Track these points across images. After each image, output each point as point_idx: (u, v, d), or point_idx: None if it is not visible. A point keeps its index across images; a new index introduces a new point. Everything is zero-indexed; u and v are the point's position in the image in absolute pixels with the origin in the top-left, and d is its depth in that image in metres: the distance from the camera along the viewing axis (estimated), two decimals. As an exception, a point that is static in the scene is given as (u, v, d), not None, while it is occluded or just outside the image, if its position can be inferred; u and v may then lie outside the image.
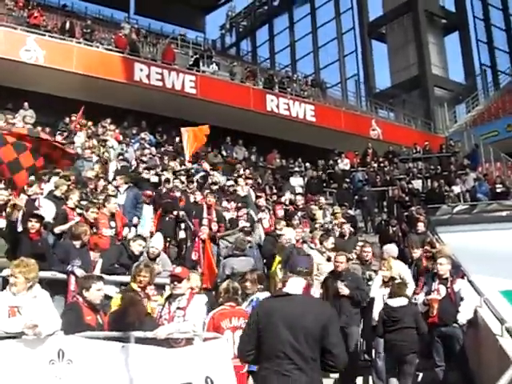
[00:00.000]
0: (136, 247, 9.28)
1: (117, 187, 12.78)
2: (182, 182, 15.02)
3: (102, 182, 13.08)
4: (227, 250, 11.33)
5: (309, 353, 4.58)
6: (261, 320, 4.80)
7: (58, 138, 15.67)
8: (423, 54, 35.94)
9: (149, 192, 12.76)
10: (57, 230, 9.78)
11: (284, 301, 4.86)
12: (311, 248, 11.67)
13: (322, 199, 17.60)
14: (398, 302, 8.74)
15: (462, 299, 8.90)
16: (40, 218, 8.78)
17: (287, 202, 16.21)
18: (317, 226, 14.25)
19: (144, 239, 9.84)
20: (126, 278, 8.45)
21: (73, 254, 8.63)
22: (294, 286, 4.90)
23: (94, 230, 10.27)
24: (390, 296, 8.95)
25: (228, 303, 7.50)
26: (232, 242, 11.53)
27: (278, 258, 10.60)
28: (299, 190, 20.36)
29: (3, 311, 6.29)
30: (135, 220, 12.37)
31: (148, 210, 12.73)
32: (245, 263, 10.07)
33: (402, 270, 10.29)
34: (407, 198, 19.55)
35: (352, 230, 14.47)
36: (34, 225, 8.61)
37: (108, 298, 7.79)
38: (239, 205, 14.09)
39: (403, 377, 8.46)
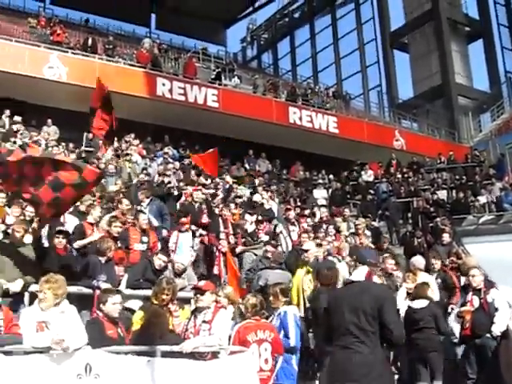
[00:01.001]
0: (157, 261, 9.27)
1: (139, 203, 12.74)
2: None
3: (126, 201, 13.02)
4: (256, 263, 11.26)
5: (369, 327, 5.45)
6: (331, 307, 5.84)
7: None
8: (446, 63, 35.64)
9: (184, 219, 12.20)
10: (75, 244, 9.83)
11: (349, 288, 5.90)
12: (339, 261, 11.57)
13: (347, 211, 17.55)
14: (419, 303, 8.88)
15: (496, 310, 8.78)
16: (66, 234, 8.87)
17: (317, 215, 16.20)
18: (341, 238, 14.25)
19: (167, 254, 9.84)
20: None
21: (98, 270, 8.67)
22: (358, 273, 5.93)
23: (119, 245, 10.31)
24: (413, 299, 9.10)
25: (254, 317, 7.46)
26: (258, 254, 11.53)
27: (300, 271, 10.54)
28: (323, 202, 20.32)
29: (31, 326, 6.37)
30: (164, 233, 12.29)
31: (186, 238, 12.05)
32: (279, 276, 10.02)
33: (428, 281, 10.22)
34: (432, 209, 19.43)
35: (371, 245, 14.37)
36: (60, 240, 8.71)
37: (133, 312, 7.85)
38: (259, 218, 14.03)
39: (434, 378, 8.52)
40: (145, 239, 10.67)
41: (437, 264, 11.35)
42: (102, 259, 8.86)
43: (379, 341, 5.49)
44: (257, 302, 7.54)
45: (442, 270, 11.34)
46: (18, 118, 20.11)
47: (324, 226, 15.12)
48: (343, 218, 16.39)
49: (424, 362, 8.62)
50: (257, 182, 19.69)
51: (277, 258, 10.67)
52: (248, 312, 7.47)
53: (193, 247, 11.60)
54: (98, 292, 8.17)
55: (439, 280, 10.92)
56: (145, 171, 16.73)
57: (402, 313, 9.22)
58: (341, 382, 5.41)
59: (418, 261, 11.23)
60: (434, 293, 9.81)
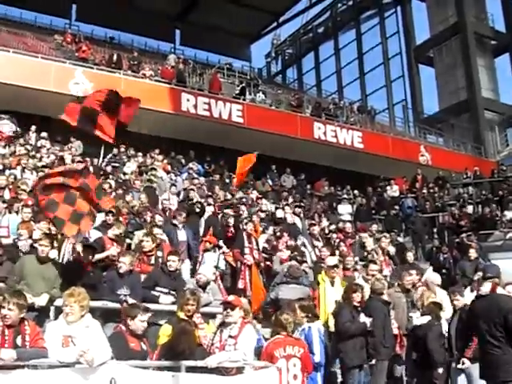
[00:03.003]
0: (169, 262, 9.34)
1: (174, 224, 12.67)
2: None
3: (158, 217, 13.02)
4: (278, 277, 11.22)
5: (499, 334, 6.89)
6: (470, 319, 7.57)
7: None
8: (472, 77, 35.37)
9: (213, 238, 12.39)
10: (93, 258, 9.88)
11: (480, 301, 7.36)
12: (365, 280, 11.42)
13: (375, 227, 17.46)
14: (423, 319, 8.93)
15: None
16: (92, 249, 8.92)
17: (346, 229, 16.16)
18: (365, 253, 14.16)
19: (177, 254, 9.83)
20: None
21: (118, 283, 8.74)
22: (485, 288, 7.39)
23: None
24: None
25: (283, 333, 7.44)
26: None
27: (321, 285, 10.50)
28: (348, 217, 20.22)
29: (57, 340, 6.40)
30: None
31: (211, 256, 12.07)
32: (293, 292, 9.96)
33: (443, 298, 10.12)
34: (459, 224, 19.25)
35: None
36: (86, 256, 8.77)
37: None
38: (278, 233, 13.97)
39: None
40: (159, 253, 10.70)
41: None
42: (124, 272, 8.92)
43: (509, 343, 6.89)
44: (290, 318, 7.58)
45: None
46: (44, 134, 20.34)
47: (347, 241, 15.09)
48: (370, 234, 16.28)
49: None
50: (289, 198, 19.67)
51: (293, 273, 10.59)
52: (277, 329, 7.48)
53: (217, 265, 11.58)
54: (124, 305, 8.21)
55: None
56: (173, 188, 16.76)
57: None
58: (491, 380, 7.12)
59: (434, 277, 11.16)
60: (446, 310, 9.69)
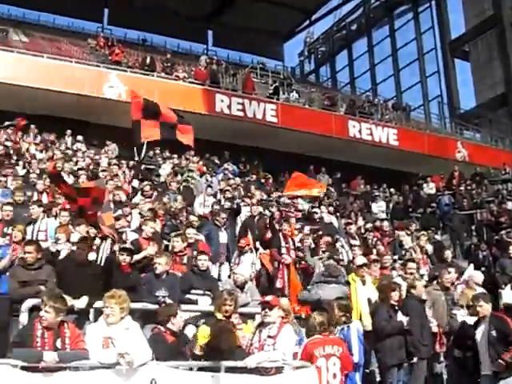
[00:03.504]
0: (199, 262, 9.41)
1: (217, 225, 12.71)
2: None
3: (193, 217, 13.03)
4: (317, 276, 11.18)
5: None
6: None
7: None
8: (510, 71, 34.62)
9: (243, 241, 12.15)
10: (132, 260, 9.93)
11: None
12: (403, 279, 11.34)
13: (414, 226, 17.31)
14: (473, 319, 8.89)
15: None
16: (130, 251, 8.98)
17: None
18: (403, 252, 14.05)
19: (206, 254, 9.86)
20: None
21: (156, 285, 8.75)
22: None
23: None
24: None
25: (324, 333, 7.45)
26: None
27: (353, 284, 10.44)
28: (382, 215, 20.09)
29: (97, 342, 6.46)
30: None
31: (247, 258, 11.96)
32: (334, 291, 9.91)
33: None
34: (498, 221, 18.99)
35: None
36: (124, 258, 8.83)
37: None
38: (319, 233, 13.92)
39: None
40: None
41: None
42: (161, 273, 8.97)
43: None
44: (324, 320, 7.56)
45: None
46: (79, 138, 20.57)
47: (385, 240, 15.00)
48: (407, 232, 16.14)
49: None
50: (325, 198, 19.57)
51: (331, 272, 10.55)
52: (316, 329, 7.45)
53: (254, 264, 11.58)
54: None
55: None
56: (209, 189, 16.79)
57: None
58: None
59: (476, 275, 11.02)
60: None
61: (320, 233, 13.77)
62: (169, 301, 8.28)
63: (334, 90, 36.44)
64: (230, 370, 6.73)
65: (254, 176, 21.26)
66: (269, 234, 12.54)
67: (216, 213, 13.45)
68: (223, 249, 12.14)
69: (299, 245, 12.86)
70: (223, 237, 12.44)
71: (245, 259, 11.46)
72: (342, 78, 44.71)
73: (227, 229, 12.68)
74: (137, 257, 9.73)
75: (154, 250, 9.92)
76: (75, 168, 16.49)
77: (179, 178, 17.59)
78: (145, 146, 11.52)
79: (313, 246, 12.94)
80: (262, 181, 20.65)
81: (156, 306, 8.18)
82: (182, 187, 16.41)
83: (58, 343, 6.32)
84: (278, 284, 11.44)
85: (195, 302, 8.87)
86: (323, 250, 12.36)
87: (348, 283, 10.33)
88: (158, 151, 20.24)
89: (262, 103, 25.75)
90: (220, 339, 6.99)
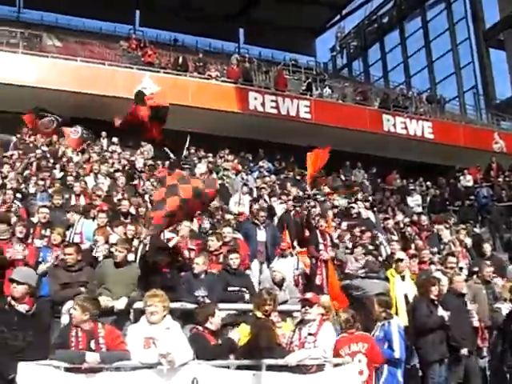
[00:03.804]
0: (232, 261, 9.42)
1: (256, 223, 12.64)
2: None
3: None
4: (355, 271, 11.13)
5: None
6: None
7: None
8: (546, 59, 34.21)
9: (285, 244, 11.97)
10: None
11: None
12: (443, 273, 11.23)
13: (453, 219, 17.12)
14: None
15: None
16: (168, 252, 9.03)
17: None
18: (442, 246, 13.93)
19: (237, 252, 9.85)
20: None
21: (195, 285, 8.81)
22: None
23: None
24: None
25: (349, 331, 7.54)
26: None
27: (392, 280, 10.38)
28: (418, 209, 19.92)
29: (139, 342, 6.51)
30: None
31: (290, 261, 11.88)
32: (375, 286, 9.88)
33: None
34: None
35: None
36: (163, 258, 8.87)
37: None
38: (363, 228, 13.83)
39: None
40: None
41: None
42: (199, 273, 9.00)
43: None
44: (349, 317, 7.68)
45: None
46: (115, 140, 20.74)
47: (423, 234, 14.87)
48: (446, 226, 15.97)
49: None
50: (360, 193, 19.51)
51: (372, 268, 10.53)
52: (342, 327, 7.61)
53: (296, 268, 11.52)
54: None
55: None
56: (245, 187, 16.78)
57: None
58: None
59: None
60: None
61: (363, 228, 13.70)
62: (207, 300, 8.31)
63: (367, 84, 36.16)
64: (270, 368, 6.73)
65: (290, 173, 21.25)
66: (306, 231, 12.53)
67: (255, 211, 13.41)
68: (262, 247, 12.07)
69: (336, 241, 12.84)
70: (261, 235, 12.37)
71: (286, 262, 11.37)
72: (374, 71, 44.38)
73: (266, 227, 12.57)
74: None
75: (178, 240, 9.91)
76: (111, 170, 16.64)
77: (214, 176, 17.63)
78: (187, 144, 11.48)
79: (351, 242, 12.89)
80: (298, 178, 20.59)
81: (195, 306, 8.22)
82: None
83: (92, 344, 6.40)
84: (317, 281, 11.40)
85: (234, 299, 8.89)
86: (360, 244, 12.31)
87: (387, 279, 10.29)
88: (193, 150, 20.30)
89: (295, 100, 25.71)
90: (259, 337, 7.01)
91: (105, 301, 7.90)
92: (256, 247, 11.95)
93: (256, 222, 12.62)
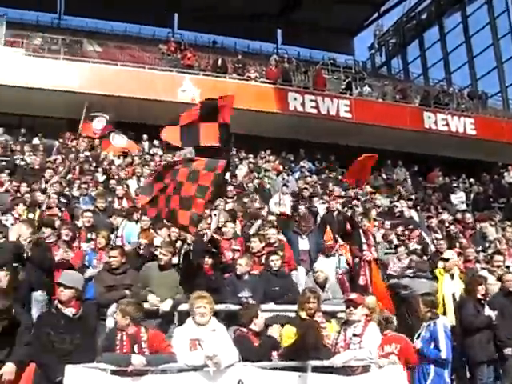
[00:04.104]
0: (273, 263, 9.42)
1: (298, 232, 12.33)
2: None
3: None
4: (401, 271, 11.05)
5: None
6: None
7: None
8: None
9: (331, 242, 11.88)
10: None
11: None
12: (490, 272, 11.06)
13: (498, 216, 16.86)
14: None
15: None
16: (212, 254, 9.06)
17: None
18: (487, 244, 13.72)
19: (278, 254, 9.83)
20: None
21: (239, 286, 8.82)
22: None
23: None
24: None
25: (384, 332, 7.55)
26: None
27: (440, 279, 10.27)
28: (462, 206, 19.66)
29: (185, 344, 6.54)
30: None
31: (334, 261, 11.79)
32: (423, 285, 9.79)
33: None
34: None
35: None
36: (207, 260, 8.91)
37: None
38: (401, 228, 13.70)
39: None
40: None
41: None
42: (243, 274, 9.03)
43: None
44: (381, 319, 7.73)
45: None
46: (156, 142, 20.92)
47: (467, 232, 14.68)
48: (491, 223, 15.72)
49: None
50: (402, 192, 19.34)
51: (421, 267, 10.44)
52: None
53: (338, 268, 11.44)
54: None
55: None
56: (285, 188, 16.74)
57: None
58: None
59: None
60: None
61: (411, 227, 13.58)
62: (251, 302, 8.31)
63: (406, 82, 35.83)
64: (316, 369, 6.71)
65: (333, 173, 21.17)
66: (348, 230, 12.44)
67: (299, 219, 13.17)
68: (305, 255, 11.87)
69: (381, 240, 12.75)
70: (304, 244, 12.00)
71: (328, 262, 11.32)
72: (414, 68, 43.97)
73: (309, 235, 12.21)
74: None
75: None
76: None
77: (256, 178, 17.65)
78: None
79: (396, 241, 12.79)
80: (339, 177, 20.50)
81: (239, 307, 8.24)
82: (258, 187, 16.44)
83: (136, 348, 6.48)
84: (361, 281, 11.31)
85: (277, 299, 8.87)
86: (403, 243, 12.21)
87: (435, 277, 10.19)
88: (234, 152, 20.35)
89: (335, 99, 25.59)
90: (306, 338, 6.99)
91: (153, 300, 7.97)
92: (299, 256, 11.80)
93: (297, 230, 12.36)
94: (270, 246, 10.79)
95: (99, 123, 20.60)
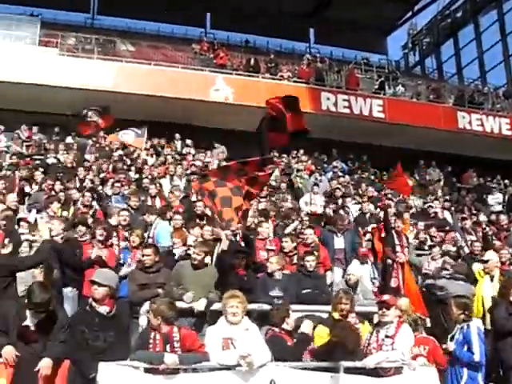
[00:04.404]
0: (309, 263, 9.42)
1: (333, 231, 12.27)
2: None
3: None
4: (436, 272, 10.96)
5: None
6: None
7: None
8: None
9: (364, 250, 11.90)
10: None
11: None
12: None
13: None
14: None
15: None
16: (246, 254, 9.09)
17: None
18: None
19: (313, 254, 9.83)
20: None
21: (270, 285, 8.85)
22: None
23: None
24: None
25: (414, 333, 7.49)
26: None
27: (480, 280, 10.17)
28: (499, 207, 19.44)
29: (217, 344, 6.56)
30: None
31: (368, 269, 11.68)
32: (461, 288, 9.72)
33: None
34: None
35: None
36: (240, 260, 8.94)
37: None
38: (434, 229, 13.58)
39: None
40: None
41: None
42: (274, 273, 9.03)
43: None
44: (410, 321, 7.71)
45: None
46: (188, 142, 21.00)
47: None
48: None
49: None
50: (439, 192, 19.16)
51: (458, 269, 10.37)
52: None
53: (374, 278, 11.37)
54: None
55: None
56: (316, 187, 16.71)
57: None
58: None
59: None
60: None
61: (447, 228, 13.48)
62: (281, 301, 8.31)
63: (440, 81, 35.51)
64: (348, 370, 6.69)
65: (366, 173, 21.07)
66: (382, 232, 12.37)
67: (335, 217, 13.11)
68: (340, 254, 11.82)
69: (414, 241, 12.66)
70: (339, 242, 12.01)
71: (364, 269, 11.24)
72: (448, 68, 43.57)
73: (344, 233, 12.21)
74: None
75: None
76: (187, 172, 16.85)
77: (288, 177, 17.64)
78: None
79: (430, 242, 12.69)
80: (372, 177, 20.42)
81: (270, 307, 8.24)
82: (291, 187, 16.44)
83: (168, 348, 6.50)
84: (392, 283, 11.26)
85: (310, 300, 8.85)
86: (437, 244, 12.12)
87: (475, 280, 10.11)
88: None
89: (368, 99, 25.49)
90: (346, 339, 6.97)
91: (190, 297, 8.03)
92: (334, 255, 11.76)
93: (333, 229, 12.30)
94: (307, 246, 10.78)
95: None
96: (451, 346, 7.75)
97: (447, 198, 18.44)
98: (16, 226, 10.65)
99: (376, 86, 27.21)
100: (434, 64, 44.68)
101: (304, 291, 9.14)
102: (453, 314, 8.04)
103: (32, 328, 6.52)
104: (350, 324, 7.52)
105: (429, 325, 9.59)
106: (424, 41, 45.01)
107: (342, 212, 14.16)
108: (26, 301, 6.65)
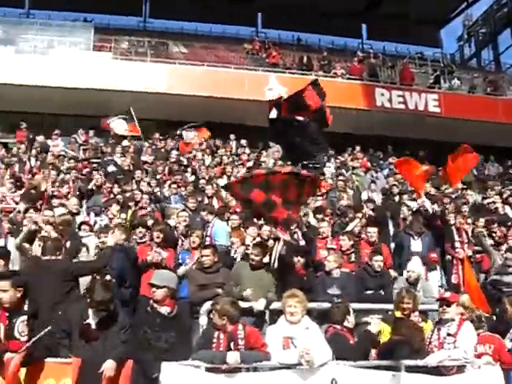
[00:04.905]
0: (377, 263, 9.42)
1: (410, 233, 11.82)
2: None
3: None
4: (499, 268, 10.78)
5: None
6: None
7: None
8: None
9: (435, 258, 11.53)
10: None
11: None
12: None
13: None
14: None
15: None
16: (303, 253, 9.11)
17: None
18: None
19: (381, 255, 9.81)
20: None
21: (328, 283, 8.87)
22: None
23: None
24: None
25: (477, 331, 7.36)
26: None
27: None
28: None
29: (278, 343, 6.59)
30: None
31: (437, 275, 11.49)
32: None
33: None
34: None
35: None
36: (299, 259, 8.96)
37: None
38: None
39: None
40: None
41: None
42: (332, 271, 9.04)
43: None
44: (474, 317, 7.61)
45: None
46: (243, 142, 21.07)
47: None
48: None
49: None
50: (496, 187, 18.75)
51: (508, 263, 10.19)
52: None
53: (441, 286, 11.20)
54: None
55: None
56: (373, 184, 16.57)
57: None
58: None
59: None
60: None
61: (510, 224, 13.22)
62: (341, 299, 8.29)
63: (497, 73, 34.79)
64: (409, 369, 6.63)
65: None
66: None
67: (412, 220, 12.59)
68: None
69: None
70: (416, 245, 11.55)
71: (432, 276, 11.08)
72: (506, 58, 42.64)
73: (421, 236, 11.69)
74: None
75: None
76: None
77: (344, 175, 17.52)
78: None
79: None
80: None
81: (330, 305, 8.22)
82: (347, 184, 16.33)
83: (232, 346, 6.54)
84: (453, 280, 11.11)
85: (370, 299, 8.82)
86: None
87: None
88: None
89: (423, 94, 25.21)
90: (411, 337, 6.93)
91: (249, 295, 8.14)
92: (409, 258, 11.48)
93: (410, 232, 11.87)
94: (371, 244, 10.74)
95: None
96: (508, 344, 7.59)
97: (508, 192, 17.99)
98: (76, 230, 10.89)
99: (431, 81, 26.85)
100: (490, 55, 43.78)
101: (367, 292, 9.11)
102: (508, 313, 7.89)
103: (93, 326, 6.64)
104: (414, 322, 7.47)
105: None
106: (480, 32, 44.11)
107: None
108: (88, 299, 6.81)
